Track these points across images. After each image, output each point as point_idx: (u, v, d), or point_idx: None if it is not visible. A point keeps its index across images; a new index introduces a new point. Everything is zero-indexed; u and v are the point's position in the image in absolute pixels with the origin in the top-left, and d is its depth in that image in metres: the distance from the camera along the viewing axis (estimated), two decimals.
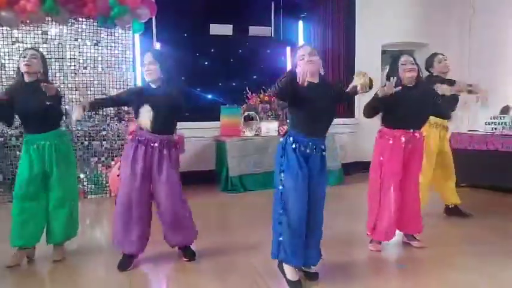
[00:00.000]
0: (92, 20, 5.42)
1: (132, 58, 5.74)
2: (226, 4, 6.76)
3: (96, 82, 5.53)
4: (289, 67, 3.64)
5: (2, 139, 5.11)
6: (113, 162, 5.45)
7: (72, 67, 5.43)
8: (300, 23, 7.18)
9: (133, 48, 5.77)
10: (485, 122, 5.84)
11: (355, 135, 7.03)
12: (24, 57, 3.06)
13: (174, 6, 6.19)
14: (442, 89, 3.24)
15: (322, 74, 2.71)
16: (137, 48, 5.95)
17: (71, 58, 5.42)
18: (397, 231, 3.56)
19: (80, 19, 5.39)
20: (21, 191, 3.10)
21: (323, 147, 2.74)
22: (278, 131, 6.07)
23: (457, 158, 4.40)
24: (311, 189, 2.67)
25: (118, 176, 3.16)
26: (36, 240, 3.21)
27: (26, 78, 3.10)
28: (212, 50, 7.01)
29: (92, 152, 5.52)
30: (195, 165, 6.08)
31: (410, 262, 3.21)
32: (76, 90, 5.44)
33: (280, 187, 2.64)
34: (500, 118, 5.79)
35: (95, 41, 5.51)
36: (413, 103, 3.18)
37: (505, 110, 6.04)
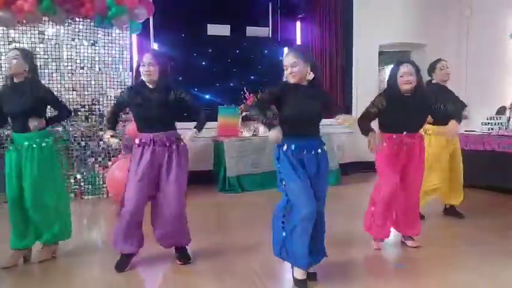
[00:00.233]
0: (89, 20, 5.40)
1: (130, 58, 5.72)
2: (224, 4, 6.76)
3: (93, 82, 5.52)
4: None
5: None
6: (110, 163, 5.44)
7: (69, 67, 5.41)
8: (298, 24, 7.19)
9: (130, 49, 5.76)
10: (482, 123, 5.86)
11: (353, 135, 7.02)
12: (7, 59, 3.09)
13: (171, 6, 6.18)
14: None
15: (311, 78, 2.70)
16: (134, 49, 5.94)
17: (68, 58, 5.40)
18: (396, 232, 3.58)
19: (77, 19, 5.37)
20: (7, 191, 3.12)
21: (317, 146, 2.73)
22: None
23: None
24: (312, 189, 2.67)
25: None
26: (31, 241, 3.19)
27: (14, 79, 3.11)
28: (210, 51, 7.01)
29: (88, 152, 5.51)
30: (192, 165, 6.01)
31: (410, 262, 3.22)
32: (73, 91, 5.43)
33: (285, 194, 2.68)
34: (497, 119, 5.81)
35: (92, 41, 5.49)
36: (409, 111, 3.19)
37: (501, 111, 6.06)
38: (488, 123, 5.78)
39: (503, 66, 6.74)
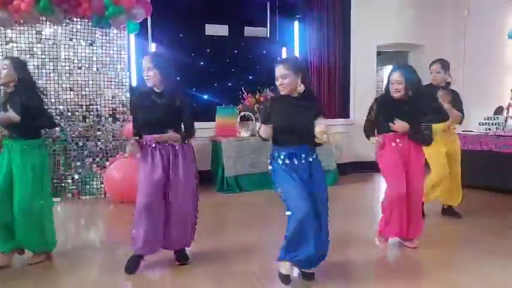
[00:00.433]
0: (86, 20, 5.39)
1: (127, 58, 5.72)
2: (222, 4, 6.75)
3: (90, 82, 5.51)
4: None
5: None
6: (107, 163, 5.43)
7: (67, 67, 5.41)
8: (296, 24, 7.18)
9: (128, 49, 5.75)
10: (479, 123, 5.88)
11: (350, 135, 7.04)
12: None
13: (169, 6, 6.17)
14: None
15: (302, 91, 2.70)
16: (132, 49, 5.93)
17: (65, 58, 5.39)
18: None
19: (75, 19, 5.37)
20: None
21: (308, 155, 2.73)
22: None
23: None
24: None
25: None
26: (10, 246, 3.14)
27: (6, 89, 3.12)
28: (208, 51, 7.00)
29: (86, 152, 5.50)
30: None
31: (408, 263, 3.22)
32: (71, 91, 5.42)
33: (281, 196, 2.70)
34: (494, 119, 5.82)
35: (89, 41, 5.48)
36: (400, 116, 3.25)
37: (498, 111, 6.08)
38: (486, 123, 5.80)
39: (500, 67, 6.76)
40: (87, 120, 5.50)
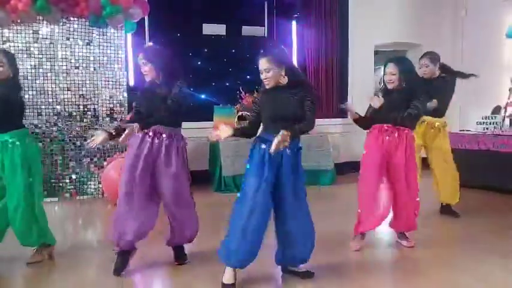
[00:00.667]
0: (83, 20, 5.37)
1: (125, 58, 5.70)
2: (220, 4, 6.75)
3: (88, 82, 5.49)
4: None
5: None
6: (105, 163, 5.41)
7: (64, 67, 5.39)
8: (293, 23, 7.19)
9: (125, 48, 5.73)
10: (477, 122, 5.89)
11: (348, 135, 7.03)
12: None
13: (166, 5, 6.17)
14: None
15: (285, 83, 2.69)
16: (129, 48, 5.92)
17: (62, 58, 5.37)
18: (393, 230, 3.59)
19: (72, 18, 5.34)
20: None
21: (293, 144, 2.67)
22: None
23: None
24: (285, 188, 2.70)
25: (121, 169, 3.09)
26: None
27: None
28: (205, 50, 6.99)
29: (83, 152, 5.48)
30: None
31: (407, 262, 3.22)
32: (68, 90, 5.40)
33: (240, 193, 2.77)
34: (492, 118, 5.83)
35: (86, 41, 5.46)
36: (392, 104, 3.25)
37: (496, 110, 6.09)
38: (484, 122, 5.81)
39: (498, 66, 6.78)
40: (84, 120, 5.49)
